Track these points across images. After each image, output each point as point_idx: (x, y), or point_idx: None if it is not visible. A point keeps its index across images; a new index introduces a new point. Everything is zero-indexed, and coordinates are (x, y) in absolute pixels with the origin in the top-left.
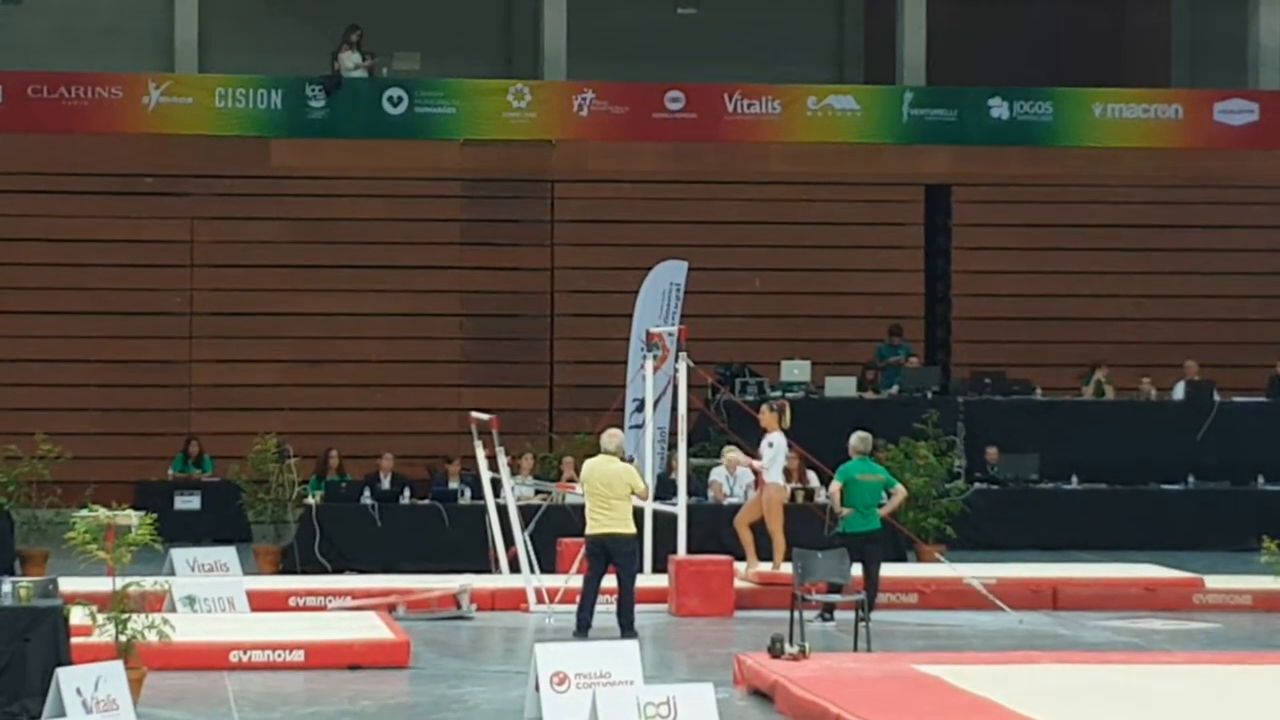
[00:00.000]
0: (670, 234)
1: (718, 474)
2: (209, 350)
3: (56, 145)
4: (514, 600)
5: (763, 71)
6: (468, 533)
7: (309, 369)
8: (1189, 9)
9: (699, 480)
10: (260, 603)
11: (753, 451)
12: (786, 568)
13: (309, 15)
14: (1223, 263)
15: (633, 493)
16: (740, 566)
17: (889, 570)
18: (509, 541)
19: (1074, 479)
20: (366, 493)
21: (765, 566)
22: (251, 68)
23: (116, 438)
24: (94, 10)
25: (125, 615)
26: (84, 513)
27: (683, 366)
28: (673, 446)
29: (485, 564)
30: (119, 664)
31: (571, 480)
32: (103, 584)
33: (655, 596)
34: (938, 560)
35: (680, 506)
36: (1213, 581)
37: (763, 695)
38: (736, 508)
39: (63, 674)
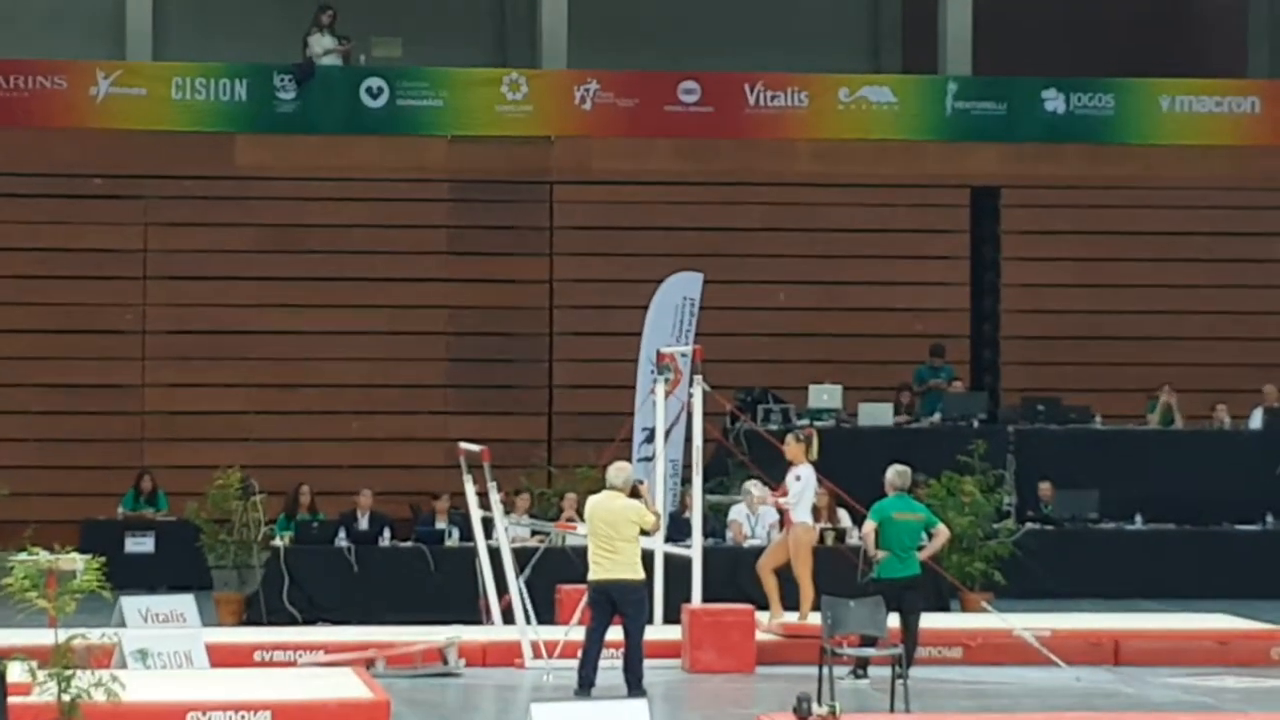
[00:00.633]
0: (684, 242)
1: (737, 512)
2: (164, 373)
3: None
4: (508, 655)
5: (788, 60)
6: (456, 579)
7: (277, 394)
8: None
9: (716, 519)
10: (221, 658)
11: (778, 487)
12: (815, 618)
13: None
14: None
15: (642, 531)
16: (763, 617)
17: (930, 621)
18: (502, 589)
19: (1138, 518)
20: (342, 534)
21: (791, 617)
22: (213, 55)
23: (59, 472)
24: None
25: (69, 672)
26: (23, 556)
27: (698, 391)
28: (686, 481)
29: (475, 614)
30: None
31: (572, 520)
32: (44, 636)
33: (667, 650)
34: (984, 609)
35: (695, 549)
36: None
37: None
38: (758, 550)
39: None
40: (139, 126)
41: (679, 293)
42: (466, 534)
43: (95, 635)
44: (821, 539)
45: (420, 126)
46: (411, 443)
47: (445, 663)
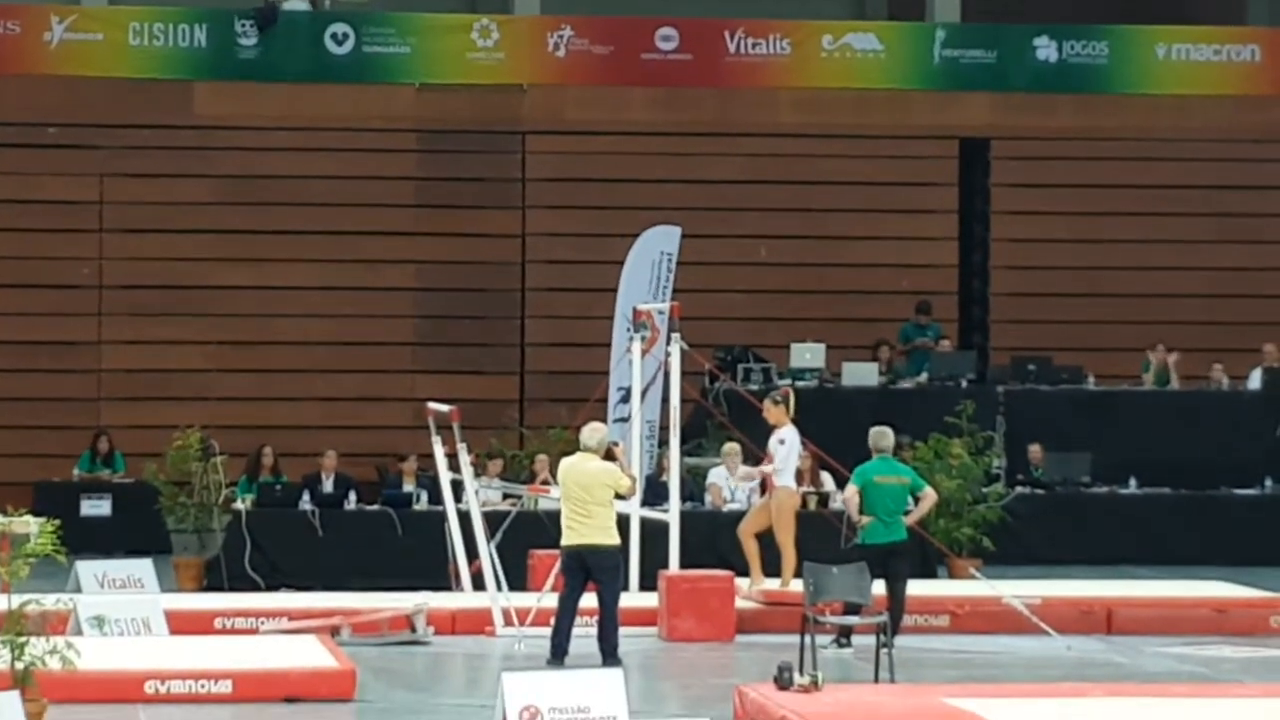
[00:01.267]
0: (661, 195)
1: (716, 475)
2: (122, 330)
3: None
4: (478, 622)
5: (770, 6)
6: (424, 543)
7: (239, 352)
8: None
9: (694, 483)
10: (181, 625)
11: (759, 451)
12: (797, 585)
13: None
14: None
15: (616, 494)
16: (743, 583)
17: (916, 588)
18: (472, 554)
19: (1132, 482)
20: (305, 496)
21: (772, 584)
22: None
23: (12, 431)
24: None
25: (22, 639)
26: None
27: (675, 350)
28: (664, 443)
29: (444, 580)
30: (14, 695)
31: (546, 483)
32: None
33: (643, 618)
34: (973, 576)
35: (672, 513)
36: None
37: None
38: (738, 515)
39: None
40: (95, 73)
41: (656, 247)
42: (435, 497)
43: (50, 601)
44: (804, 503)
45: (387, 74)
46: (378, 402)
47: (413, 630)
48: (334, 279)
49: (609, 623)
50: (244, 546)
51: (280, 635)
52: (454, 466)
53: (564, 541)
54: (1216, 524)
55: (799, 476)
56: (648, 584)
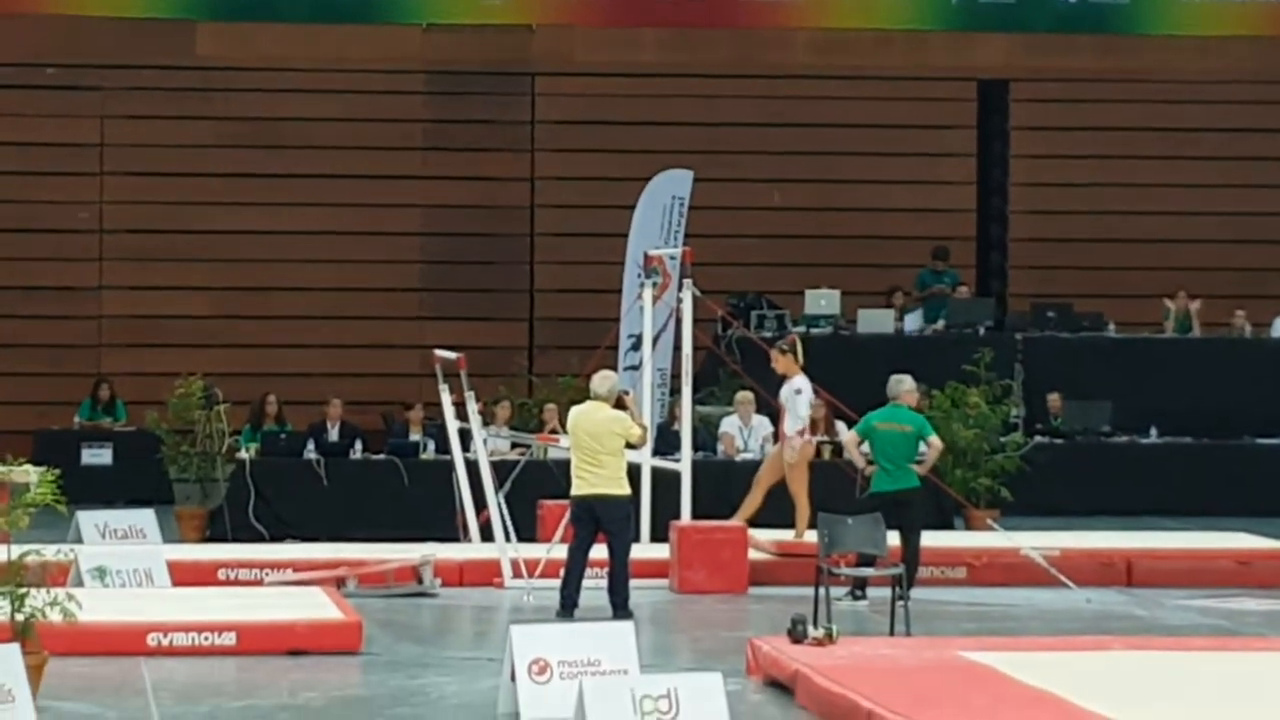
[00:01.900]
0: (673, 138)
1: (729, 424)
2: (123, 275)
3: None
4: (486, 574)
5: None
6: (431, 493)
7: (242, 298)
8: None
9: (706, 432)
10: (184, 576)
11: (772, 400)
12: (810, 536)
13: None
14: None
15: (627, 444)
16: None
17: (932, 539)
18: (480, 504)
19: (1153, 431)
20: (310, 445)
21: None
22: None
23: (11, 379)
24: None
25: (22, 590)
26: None
27: (687, 296)
28: (675, 391)
29: (452, 531)
30: (15, 648)
31: (555, 431)
32: None
33: (654, 570)
34: (990, 527)
35: (684, 462)
36: None
37: (781, 687)
38: (751, 465)
39: None
40: (95, 13)
41: (668, 191)
42: (442, 446)
43: (50, 552)
44: (818, 453)
45: (394, 14)
46: (384, 349)
47: (420, 582)
48: (339, 223)
49: (620, 574)
50: (248, 496)
51: (285, 587)
52: (462, 415)
53: (574, 491)
54: (1239, 474)
55: (813, 425)
56: (659, 535)
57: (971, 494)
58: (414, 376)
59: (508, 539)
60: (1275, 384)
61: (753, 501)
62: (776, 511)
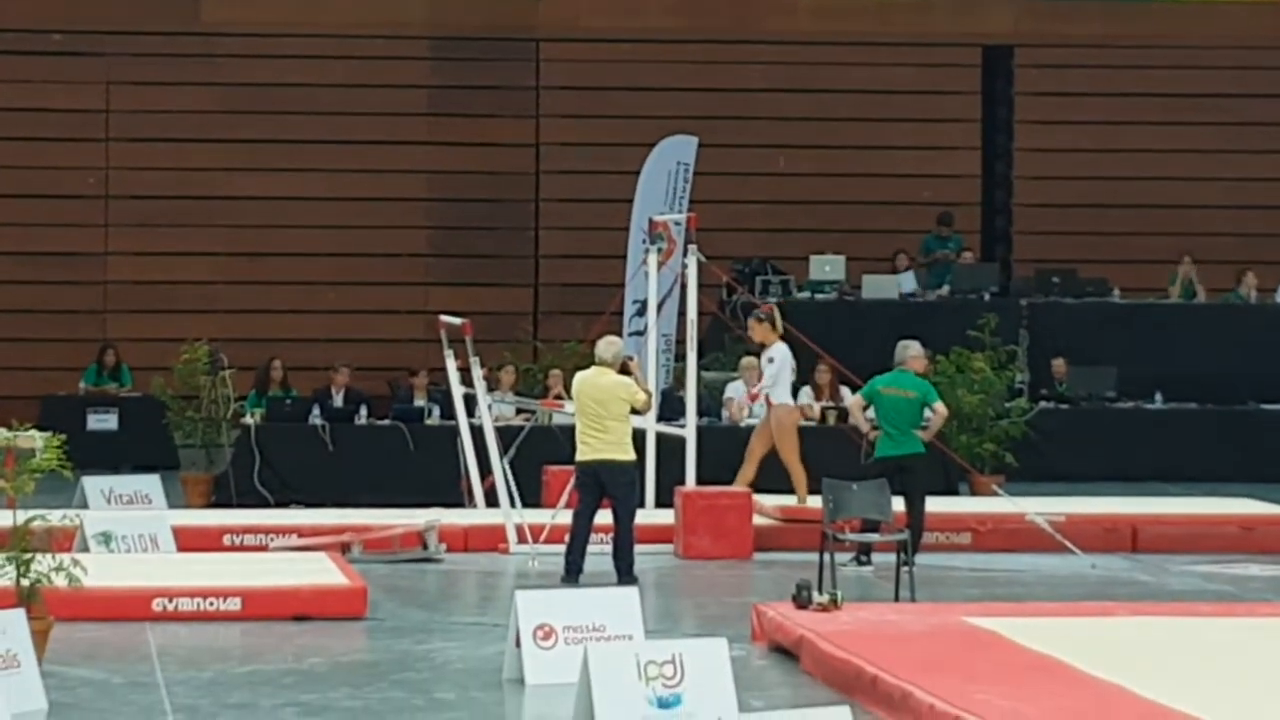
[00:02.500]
0: (678, 104)
1: (734, 390)
2: (128, 240)
3: None
4: (491, 539)
5: None
6: (436, 459)
7: (247, 263)
8: None
9: (711, 398)
10: (189, 541)
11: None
12: (814, 502)
13: None
14: None
15: (632, 409)
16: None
17: (937, 505)
18: (485, 470)
19: (1158, 397)
20: (315, 411)
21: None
22: None
23: (17, 345)
24: None
25: (28, 555)
26: None
27: (692, 262)
28: (680, 357)
29: (457, 496)
30: (20, 613)
31: (560, 397)
32: (2, 518)
33: (659, 535)
34: (995, 493)
35: (689, 428)
36: None
37: (786, 652)
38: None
39: None
40: None
41: (672, 158)
42: (447, 412)
43: (56, 517)
44: (823, 418)
45: None
46: (389, 315)
47: (425, 547)
48: (344, 189)
49: (624, 540)
50: (253, 462)
51: (290, 552)
52: (466, 381)
53: (579, 457)
54: (1244, 440)
55: (817, 391)
56: (664, 501)
57: (976, 459)
58: (419, 342)
59: (513, 504)
60: None
61: (746, 473)
62: (779, 477)
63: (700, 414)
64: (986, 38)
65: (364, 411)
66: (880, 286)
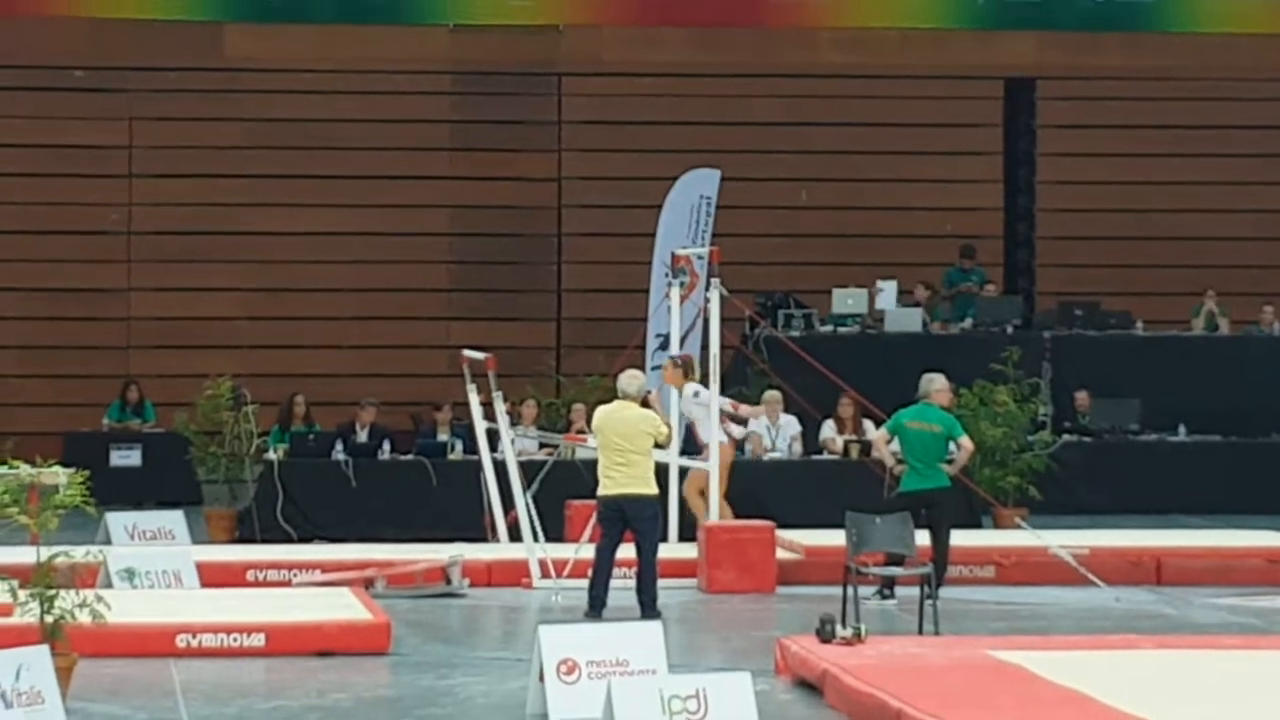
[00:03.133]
0: (700, 137)
1: (757, 424)
2: (151, 276)
3: None
4: (514, 574)
5: None
6: (459, 494)
7: (271, 299)
8: None
9: None
10: (212, 577)
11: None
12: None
13: None
14: None
15: (655, 443)
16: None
17: (960, 538)
18: (508, 505)
19: (1181, 429)
20: (339, 446)
21: None
22: None
23: (41, 381)
24: None
25: (52, 592)
26: (3, 470)
27: (715, 295)
28: None
29: (480, 531)
30: (44, 650)
31: (582, 431)
32: (25, 554)
33: (682, 569)
34: (1019, 526)
35: (712, 462)
36: None
37: (810, 686)
38: (780, 464)
39: None
40: (123, 15)
41: (695, 191)
42: (470, 446)
43: (79, 553)
44: (846, 451)
45: (421, 15)
46: (412, 350)
47: (448, 582)
48: (367, 224)
49: (648, 574)
50: (276, 497)
51: (313, 588)
52: (490, 415)
53: (602, 491)
54: (1268, 472)
55: (840, 424)
56: (687, 535)
57: (1000, 493)
58: (442, 377)
59: (536, 539)
60: None
61: (699, 508)
62: (805, 513)
63: None
64: (1008, 70)
65: (387, 447)
66: (903, 320)
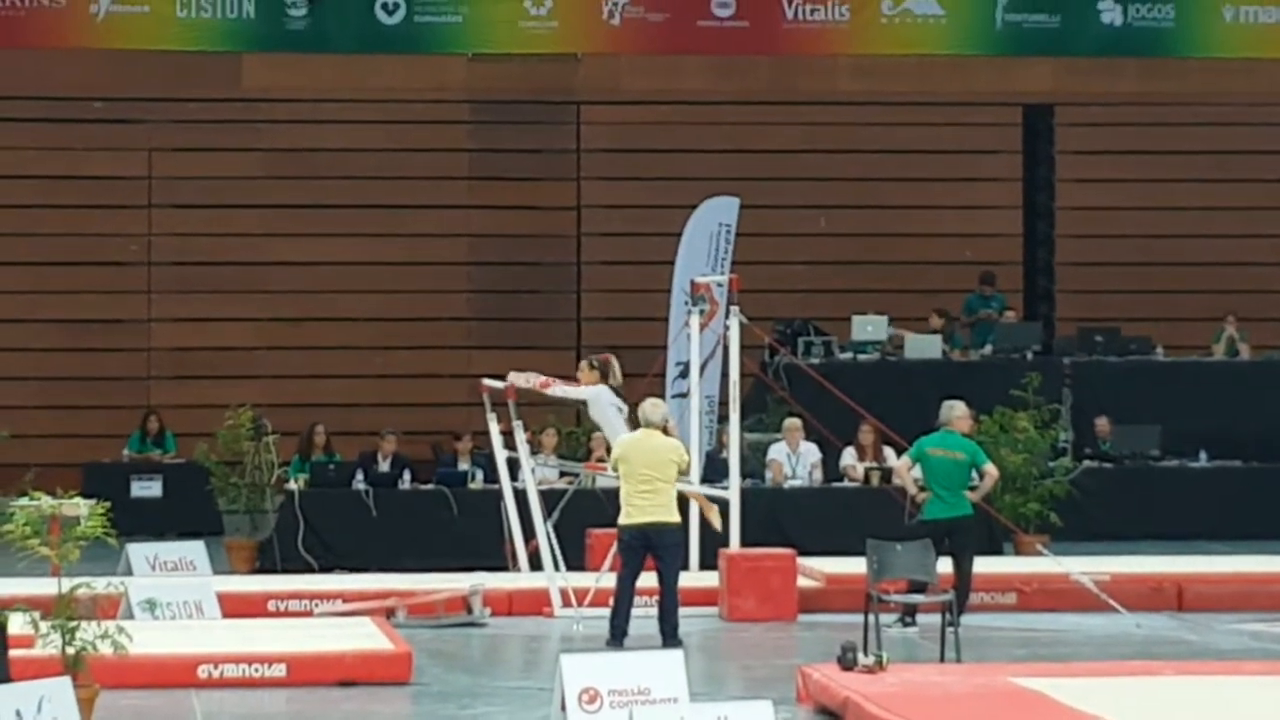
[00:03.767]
0: (719, 165)
1: (777, 451)
2: (171, 307)
3: None
4: (535, 603)
5: None
6: (480, 523)
7: (290, 329)
8: None
9: (755, 459)
10: (234, 607)
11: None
12: None
13: None
14: None
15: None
16: None
17: (981, 565)
18: (529, 534)
19: (1202, 455)
20: (359, 476)
21: None
22: None
23: (61, 412)
24: None
25: (73, 623)
26: (23, 501)
27: (734, 323)
28: (723, 419)
29: (501, 560)
30: (66, 681)
31: (602, 460)
32: (47, 586)
33: (703, 598)
34: (1040, 553)
35: (733, 490)
36: None
37: (831, 714)
38: (800, 491)
39: None
40: (142, 46)
41: (714, 219)
42: (491, 476)
43: (101, 584)
44: (866, 478)
45: (439, 44)
46: (432, 379)
47: (470, 612)
48: (386, 254)
49: (670, 602)
50: (297, 527)
51: (335, 618)
52: (510, 444)
53: (627, 520)
54: None
55: (861, 451)
56: (708, 563)
57: (1020, 519)
58: (462, 406)
59: (557, 568)
60: None
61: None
62: (826, 540)
63: (744, 475)
64: (1026, 97)
65: (407, 476)
66: (923, 347)
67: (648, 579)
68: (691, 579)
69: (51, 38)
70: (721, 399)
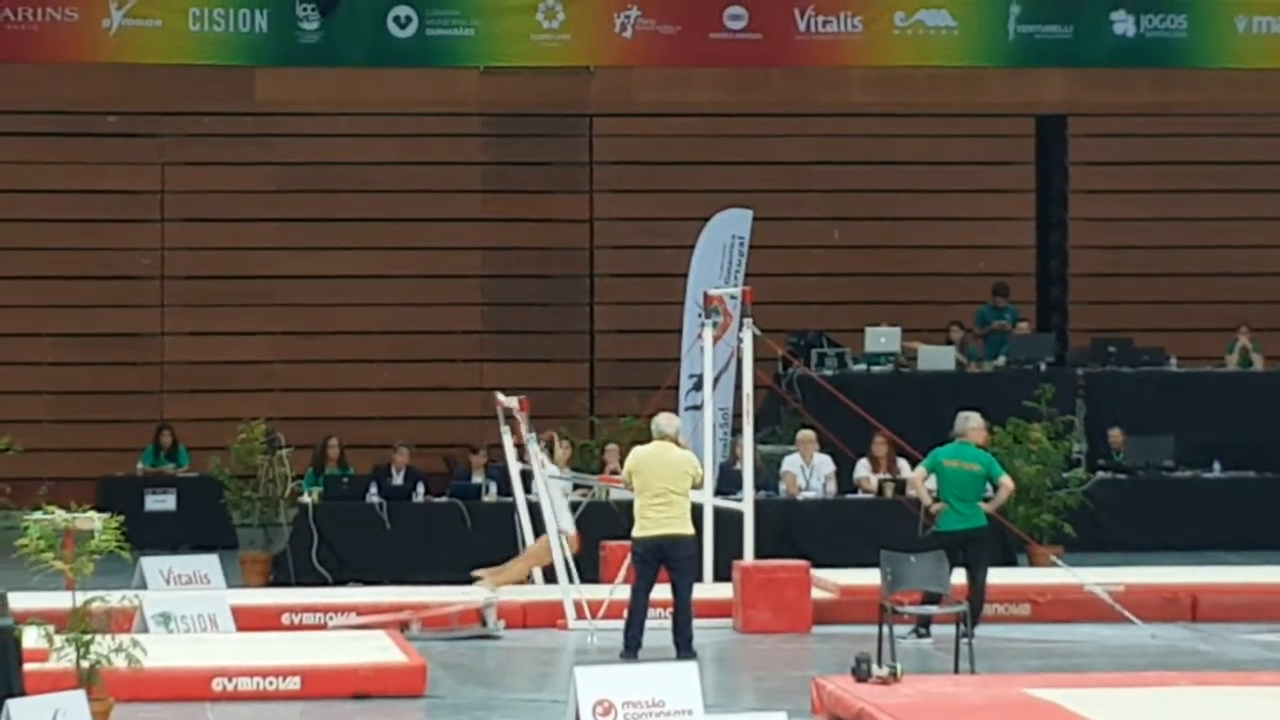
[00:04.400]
0: (732, 177)
1: (791, 463)
2: (184, 321)
3: None
4: (549, 616)
5: None
6: (494, 535)
7: (303, 342)
8: None
9: (769, 471)
10: (248, 621)
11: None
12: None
13: None
14: None
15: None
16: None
17: (996, 576)
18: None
19: (1216, 466)
20: (373, 489)
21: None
22: None
23: (75, 426)
24: None
25: (88, 637)
26: (38, 515)
27: (748, 335)
28: (737, 431)
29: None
30: (81, 694)
31: (616, 472)
32: (61, 599)
33: (718, 609)
34: (1054, 564)
35: (746, 502)
36: None
37: None
38: (813, 503)
39: (14, 706)
40: (154, 60)
41: (727, 231)
42: (504, 488)
43: (115, 598)
44: (881, 490)
45: (451, 57)
46: (445, 392)
47: (484, 624)
48: (399, 267)
49: (684, 614)
50: (311, 540)
51: (349, 631)
52: (523, 457)
53: (640, 532)
54: None
55: (875, 463)
56: (722, 575)
57: (1034, 530)
58: (475, 419)
59: (571, 580)
60: None
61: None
62: (840, 552)
63: (757, 488)
64: (1039, 108)
65: (421, 489)
66: (936, 358)
67: (662, 591)
68: (706, 591)
69: (64, 52)
70: (735, 411)
